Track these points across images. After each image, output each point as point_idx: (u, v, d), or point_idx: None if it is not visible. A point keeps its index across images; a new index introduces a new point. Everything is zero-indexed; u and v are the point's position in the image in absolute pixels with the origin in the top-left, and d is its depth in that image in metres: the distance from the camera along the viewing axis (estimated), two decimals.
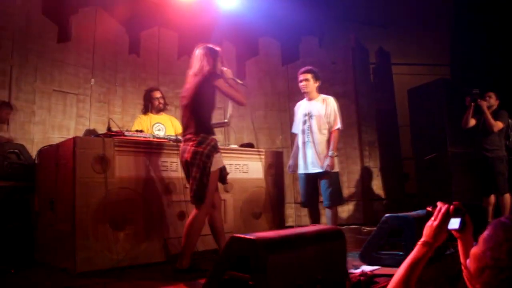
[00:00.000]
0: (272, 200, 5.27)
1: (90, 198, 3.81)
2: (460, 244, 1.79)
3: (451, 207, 1.78)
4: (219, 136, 6.18)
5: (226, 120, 5.23)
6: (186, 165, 3.80)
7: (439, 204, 1.83)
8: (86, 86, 6.48)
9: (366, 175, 7.55)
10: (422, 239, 1.78)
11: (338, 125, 4.99)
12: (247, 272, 2.11)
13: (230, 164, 4.91)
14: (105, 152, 3.91)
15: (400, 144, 8.30)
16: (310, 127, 5.04)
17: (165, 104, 5.81)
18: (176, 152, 4.33)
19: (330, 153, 4.89)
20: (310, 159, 4.98)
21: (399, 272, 1.74)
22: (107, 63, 6.70)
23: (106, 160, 3.91)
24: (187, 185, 3.93)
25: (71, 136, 4.69)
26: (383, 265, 3.65)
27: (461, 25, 8.65)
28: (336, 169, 4.98)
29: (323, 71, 5.97)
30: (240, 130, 7.64)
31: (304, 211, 7.05)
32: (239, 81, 4.20)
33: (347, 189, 7.33)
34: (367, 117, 7.75)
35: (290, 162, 5.34)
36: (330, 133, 5.01)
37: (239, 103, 4.02)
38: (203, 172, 3.67)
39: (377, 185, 7.62)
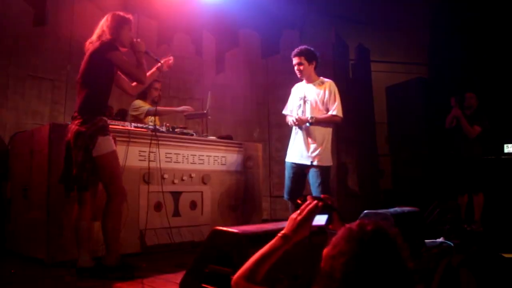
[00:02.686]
0: (249, 193, 5.25)
1: None
2: None
3: (320, 203, 1.72)
4: (196, 127, 6.12)
5: (205, 111, 5.17)
6: (68, 147, 3.33)
7: (309, 198, 1.76)
8: (62, 72, 6.31)
9: (342, 171, 7.59)
10: (282, 231, 1.69)
11: (336, 111, 4.52)
12: (228, 265, 2.08)
13: (208, 156, 4.89)
14: None
15: (377, 141, 8.37)
16: (304, 112, 4.57)
17: (160, 97, 5.54)
18: (155, 142, 4.29)
19: (310, 116, 4.47)
20: (300, 149, 4.52)
21: (249, 260, 1.65)
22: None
23: None
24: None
25: (45, 123, 4.57)
26: None
27: (438, 25, 8.76)
28: (329, 163, 4.56)
29: None
30: (218, 122, 7.58)
31: (280, 204, 7.07)
32: (154, 57, 3.69)
33: None
34: (344, 113, 7.75)
35: None
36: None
37: (137, 80, 3.58)
38: (85, 156, 3.21)
39: (352, 181, 7.68)
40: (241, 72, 8.01)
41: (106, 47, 3.35)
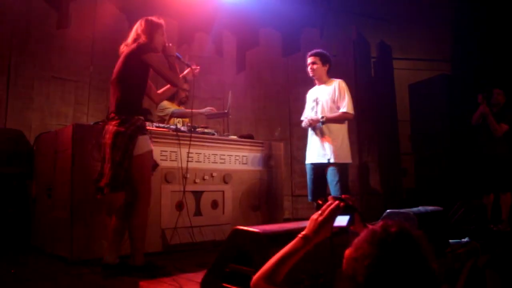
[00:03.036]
0: (271, 192, 5.22)
1: (88, 185, 3.75)
2: None
3: (341, 203, 1.67)
4: (217, 126, 6.14)
5: (226, 111, 5.18)
6: (105, 148, 3.34)
7: (330, 199, 1.72)
8: (85, 73, 6.40)
9: (364, 170, 7.52)
10: (303, 232, 1.65)
11: (346, 108, 4.50)
12: (249, 265, 2.07)
13: (229, 155, 4.89)
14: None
15: (399, 139, 8.28)
16: (316, 113, 4.64)
17: (188, 98, 5.52)
18: (176, 142, 4.32)
19: (321, 116, 4.53)
20: (316, 149, 4.60)
21: (269, 261, 1.62)
22: (107, 50, 6.62)
23: None
24: (105, 171, 3.33)
25: (69, 124, 4.64)
26: None
27: (461, 21, 8.62)
28: (346, 160, 4.59)
29: None
30: (238, 121, 7.59)
31: (302, 204, 7.05)
32: (184, 61, 3.86)
33: None
34: (366, 111, 7.70)
35: None
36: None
37: (172, 83, 3.69)
38: (124, 155, 3.25)
39: (375, 180, 7.59)
40: (261, 71, 8.00)
41: (142, 49, 3.42)
